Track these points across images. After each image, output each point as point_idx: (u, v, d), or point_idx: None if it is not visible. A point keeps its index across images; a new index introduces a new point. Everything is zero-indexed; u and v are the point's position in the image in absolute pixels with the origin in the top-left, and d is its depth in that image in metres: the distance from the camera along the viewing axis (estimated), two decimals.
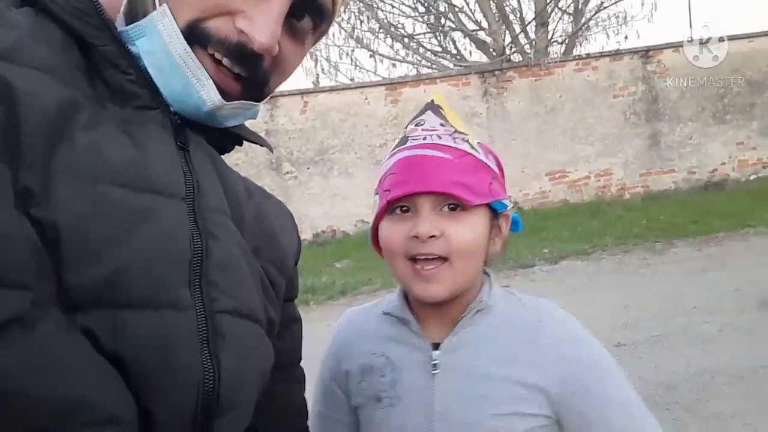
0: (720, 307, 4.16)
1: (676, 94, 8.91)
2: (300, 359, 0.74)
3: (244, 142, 0.67)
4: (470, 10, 11.61)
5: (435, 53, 11.97)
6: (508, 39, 11.21)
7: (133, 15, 0.53)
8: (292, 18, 0.56)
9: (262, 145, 0.68)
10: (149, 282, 0.47)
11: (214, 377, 0.49)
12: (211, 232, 0.53)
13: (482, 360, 0.78)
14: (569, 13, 11.59)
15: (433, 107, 0.84)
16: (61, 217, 0.43)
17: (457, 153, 0.78)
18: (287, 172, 8.53)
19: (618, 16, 11.78)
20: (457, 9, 11.50)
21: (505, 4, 11.24)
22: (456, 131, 0.80)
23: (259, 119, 8.53)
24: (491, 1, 10.93)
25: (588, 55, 9.22)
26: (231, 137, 0.64)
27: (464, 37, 11.75)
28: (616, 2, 11.46)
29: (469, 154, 0.79)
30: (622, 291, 4.94)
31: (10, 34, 0.47)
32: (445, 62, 11.73)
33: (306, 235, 8.30)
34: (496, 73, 8.84)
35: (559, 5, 11.35)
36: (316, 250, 7.81)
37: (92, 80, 0.51)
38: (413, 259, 0.76)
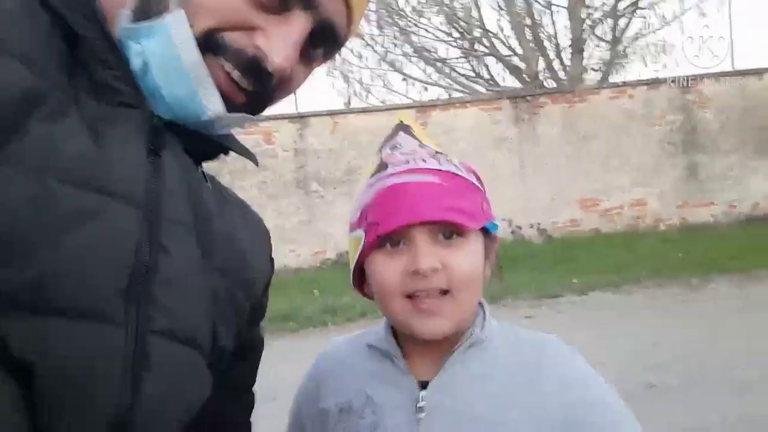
0: (760, 352, 3.89)
1: (717, 125, 8.64)
2: (253, 384, 0.71)
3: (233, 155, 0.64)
4: (504, 35, 11.59)
5: (467, 78, 11.96)
6: (541, 65, 11.12)
7: (144, 12, 0.52)
8: (307, 44, 0.56)
9: (248, 158, 0.64)
10: (79, 290, 0.44)
11: (129, 404, 0.46)
12: (164, 244, 0.50)
13: (474, 402, 0.70)
14: (606, 41, 11.45)
15: (404, 128, 0.78)
16: None
17: (446, 176, 0.73)
18: (314, 191, 8.54)
19: (657, 44, 11.56)
20: (491, 34, 11.50)
21: (540, 31, 11.18)
22: (437, 152, 0.75)
23: (288, 138, 8.61)
24: (526, 27, 10.89)
25: (624, 83, 9.05)
26: (214, 145, 0.61)
27: (497, 62, 11.71)
28: (654, 31, 11.28)
29: (458, 175, 0.73)
30: (654, 328, 4.70)
31: None
32: (478, 87, 11.69)
33: (329, 254, 8.26)
34: (528, 98, 8.74)
35: (596, 32, 11.24)
36: (339, 271, 7.74)
37: (73, 72, 0.50)
38: (409, 296, 0.70)
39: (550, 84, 10.97)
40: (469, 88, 11.49)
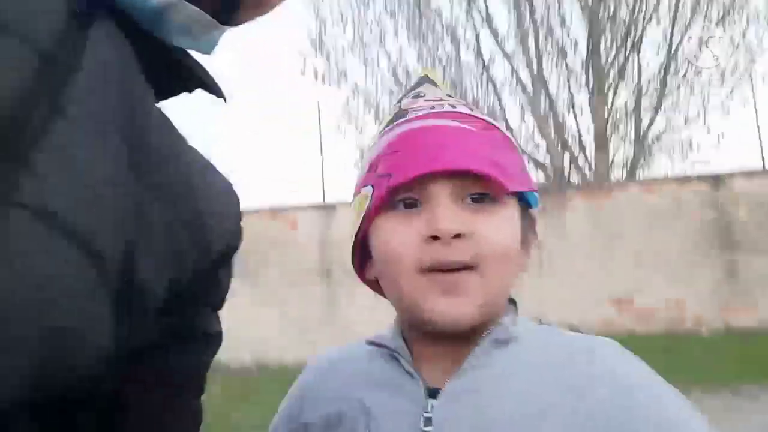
0: None
1: (753, 224, 8.43)
2: (198, 389, 0.55)
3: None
4: (529, 132, 11.86)
5: None
6: (566, 160, 11.26)
7: None
8: None
9: (213, 93, 0.53)
10: None
11: None
12: (65, 106, 0.38)
13: (499, 411, 0.55)
14: (629, 140, 11.59)
15: (429, 80, 0.65)
16: None
17: (480, 124, 0.59)
18: (338, 281, 8.40)
19: (683, 142, 11.63)
20: (513, 132, 11.78)
21: (563, 130, 11.42)
22: (469, 103, 0.62)
23: (314, 228, 8.69)
24: (551, 128, 11.15)
25: (653, 180, 9.03)
26: (170, 60, 0.50)
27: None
28: (677, 131, 11.39)
29: (494, 126, 0.59)
30: None
31: None
32: None
33: None
34: (554, 193, 8.72)
35: (619, 130, 11.41)
36: None
37: None
38: (425, 274, 0.56)
39: (576, 180, 11.03)
40: None
